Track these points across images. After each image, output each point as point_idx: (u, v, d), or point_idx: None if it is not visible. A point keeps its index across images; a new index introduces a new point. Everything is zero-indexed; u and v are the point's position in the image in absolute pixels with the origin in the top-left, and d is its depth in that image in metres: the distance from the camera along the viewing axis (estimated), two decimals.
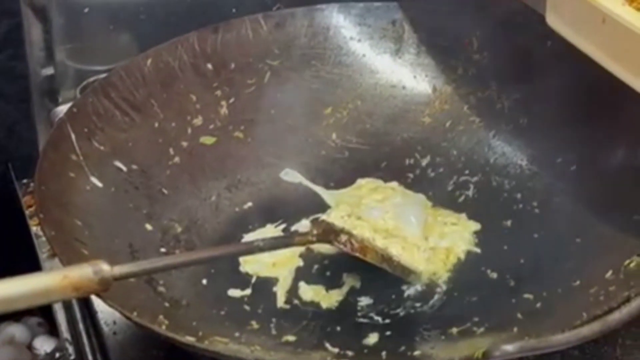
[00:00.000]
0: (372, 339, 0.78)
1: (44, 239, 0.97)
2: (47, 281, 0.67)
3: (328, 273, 0.87)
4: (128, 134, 0.94)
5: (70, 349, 0.86)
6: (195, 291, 0.83)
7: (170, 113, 0.98)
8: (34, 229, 1.00)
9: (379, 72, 1.07)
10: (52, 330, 1.33)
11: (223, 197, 0.95)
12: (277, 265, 0.87)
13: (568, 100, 0.93)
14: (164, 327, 0.71)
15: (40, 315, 1.37)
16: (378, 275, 0.85)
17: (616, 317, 0.62)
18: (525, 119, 0.98)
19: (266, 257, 0.87)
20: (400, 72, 1.06)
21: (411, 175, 0.99)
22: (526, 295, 0.80)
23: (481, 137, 1.01)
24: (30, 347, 1.34)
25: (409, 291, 0.84)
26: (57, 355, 1.18)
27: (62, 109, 0.98)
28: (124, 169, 0.92)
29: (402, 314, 0.82)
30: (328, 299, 0.84)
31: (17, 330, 1.34)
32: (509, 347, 0.60)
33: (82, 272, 0.67)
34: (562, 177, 0.92)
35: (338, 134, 1.03)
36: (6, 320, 1.37)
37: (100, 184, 0.88)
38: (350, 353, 0.75)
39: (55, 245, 0.77)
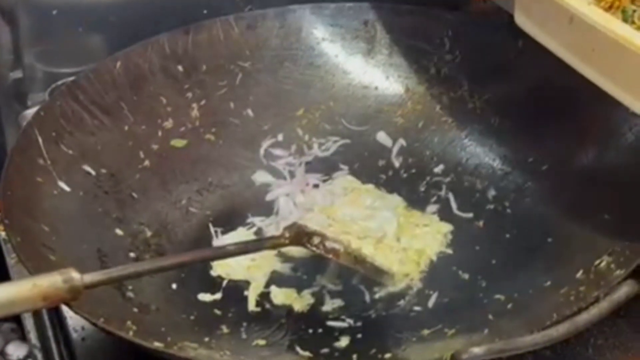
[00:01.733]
0: (344, 342, 0.78)
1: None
2: (15, 291, 0.66)
3: (301, 275, 0.86)
4: (97, 138, 0.93)
5: (39, 356, 0.85)
6: (165, 296, 0.82)
7: (140, 116, 0.97)
8: (2, 234, 0.98)
9: (351, 73, 1.06)
10: (25, 336, 1.32)
11: (194, 200, 0.95)
12: (251, 269, 0.87)
13: (539, 100, 0.94)
14: (131, 333, 0.70)
15: (13, 320, 1.36)
16: (351, 277, 0.85)
17: (584, 317, 0.63)
18: (496, 119, 0.98)
19: (242, 260, 0.86)
20: (372, 73, 1.06)
21: (384, 176, 0.99)
22: (497, 296, 0.80)
23: (453, 137, 1.01)
24: (3, 353, 1.32)
25: (381, 293, 0.83)
26: None
27: (31, 113, 0.97)
28: (93, 173, 0.91)
29: (373, 316, 0.81)
30: (299, 301, 0.83)
31: None
32: (477, 350, 0.60)
33: (51, 281, 0.66)
34: (533, 177, 0.92)
35: (310, 135, 1.03)
36: None
37: (68, 189, 0.87)
38: (320, 357, 0.75)
39: (22, 252, 0.76)
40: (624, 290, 0.64)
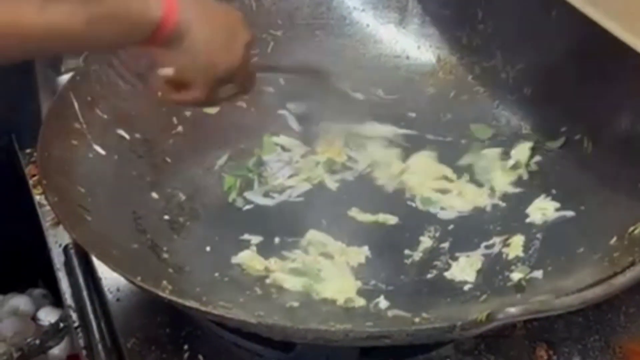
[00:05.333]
0: (382, 303, 0.78)
1: (47, 208, 0.97)
2: None
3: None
4: (131, 103, 0.94)
5: (74, 316, 0.86)
6: (199, 258, 0.83)
7: None
8: (37, 198, 1.00)
9: (382, 43, 1.06)
10: (57, 301, 1.33)
11: (226, 166, 0.95)
12: None
13: (572, 70, 0.93)
14: (167, 291, 0.71)
15: (45, 286, 1.38)
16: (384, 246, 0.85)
17: (620, 280, 0.62)
18: (529, 89, 0.98)
19: None
20: (404, 42, 1.06)
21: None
22: (530, 263, 0.80)
23: (485, 107, 1.00)
24: (34, 318, 1.34)
25: (413, 258, 0.84)
26: (61, 325, 1.18)
27: (65, 79, 0.98)
28: (127, 137, 0.91)
29: (406, 281, 0.81)
30: None
31: (21, 302, 1.34)
32: (513, 310, 0.60)
33: None
34: (566, 146, 0.92)
35: None
36: (11, 292, 1.37)
37: (103, 152, 0.88)
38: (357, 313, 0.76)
39: (59, 210, 0.77)
40: None
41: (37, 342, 1.19)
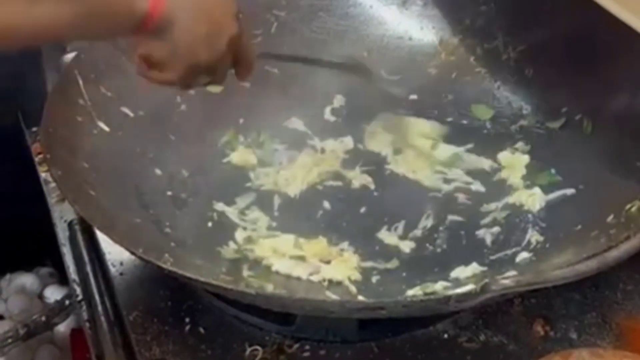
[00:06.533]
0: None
1: (52, 185, 0.99)
2: None
3: None
4: (135, 81, 0.94)
5: (78, 290, 0.88)
6: (201, 233, 0.84)
7: None
8: (43, 175, 1.01)
9: (386, 24, 1.07)
10: (63, 280, 1.35)
11: (229, 144, 0.96)
12: None
13: (573, 51, 0.94)
14: (169, 263, 0.72)
15: (52, 265, 1.39)
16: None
17: (614, 254, 0.63)
18: (530, 70, 0.98)
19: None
20: (407, 24, 1.06)
21: None
22: (528, 239, 0.81)
23: (486, 88, 1.01)
24: (41, 296, 1.36)
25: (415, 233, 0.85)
26: (67, 302, 1.20)
27: (70, 57, 0.99)
28: (131, 114, 0.93)
29: (405, 257, 0.83)
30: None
31: (28, 280, 1.37)
32: (507, 281, 0.61)
33: None
34: (566, 126, 0.93)
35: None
36: (17, 270, 1.39)
37: (107, 129, 0.89)
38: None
39: (62, 184, 0.78)
40: None
41: (43, 318, 1.21)
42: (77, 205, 0.75)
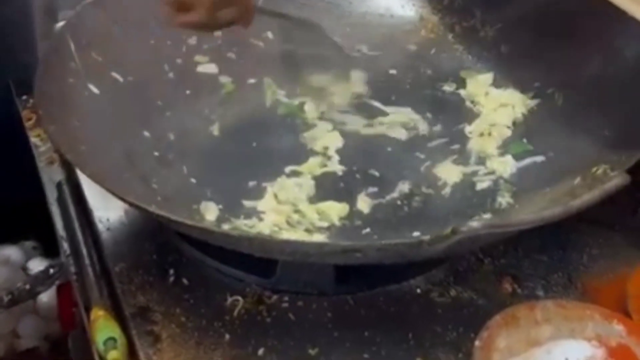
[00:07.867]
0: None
1: (42, 149, 1.02)
2: None
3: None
4: (125, 48, 0.98)
5: (65, 246, 0.90)
6: (186, 188, 0.87)
7: (166, 31, 1.01)
8: (33, 140, 1.03)
9: (368, 1, 1.11)
10: (47, 253, 1.38)
11: (215, 112, 0.99)
12: None
13: (545, 28, 0.98)
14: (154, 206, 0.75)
15: (35, 239, 1.41)
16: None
17: (577, 202, 0.67)
18: (506, 47, 1.03)
19: None
20: (389, 1, 1.11)
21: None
22: (499, 199, 0.85)
23: (464, 64, 1.05)
24: (24, 268, 1.38)
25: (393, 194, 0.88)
26: (51, 271, 1.22)
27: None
28: (121, 80, 0.96)
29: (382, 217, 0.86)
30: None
31: (12, 252, 1.38)
32: (475, 224, 0.64)
33: None
34: (540, 100, 0.97)
35: None
36: (2, 243, 1.41)
37: (97, 91, 0.92)
38: None
39: (55, 139, 0.81)
40: (615, 182, 0.68)
41: (27, 287, 1.23)
42: (70, 155, 0.78)
